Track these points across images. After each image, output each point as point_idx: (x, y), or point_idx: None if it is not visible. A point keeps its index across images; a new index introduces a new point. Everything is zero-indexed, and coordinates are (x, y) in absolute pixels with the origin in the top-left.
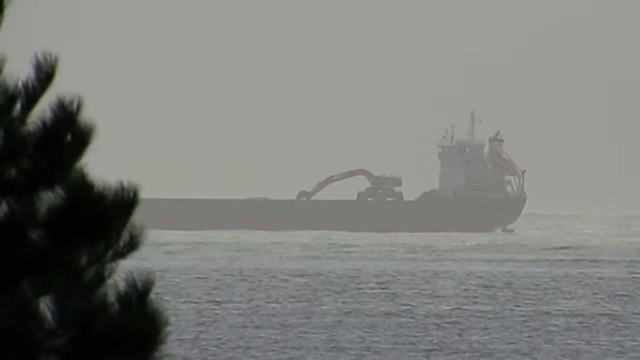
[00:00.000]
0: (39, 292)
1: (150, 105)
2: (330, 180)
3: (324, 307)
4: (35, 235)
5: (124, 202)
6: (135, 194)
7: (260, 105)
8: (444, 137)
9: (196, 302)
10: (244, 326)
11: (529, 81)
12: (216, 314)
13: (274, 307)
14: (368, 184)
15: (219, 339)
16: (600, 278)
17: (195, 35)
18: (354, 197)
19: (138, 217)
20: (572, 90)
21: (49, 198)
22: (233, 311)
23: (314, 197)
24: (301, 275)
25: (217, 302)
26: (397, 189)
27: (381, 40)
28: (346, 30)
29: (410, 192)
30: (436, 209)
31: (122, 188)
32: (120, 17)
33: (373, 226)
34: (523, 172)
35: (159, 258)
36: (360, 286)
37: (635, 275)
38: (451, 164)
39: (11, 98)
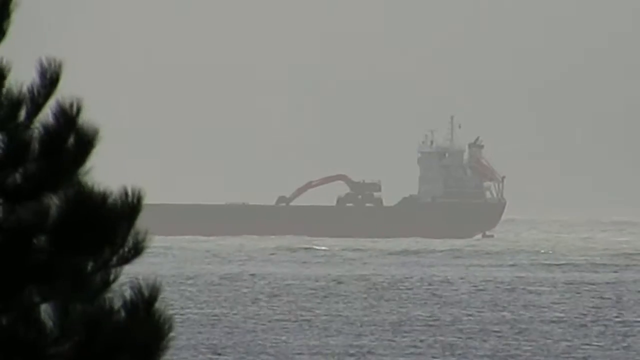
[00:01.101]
0: (45, 298)
1: (128, 107)
2: (309, 185)
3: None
4: (40, 241)
5: (128, 207)
6: (139, 199)
7: (239, 109)
8: (423, 142)
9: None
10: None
11: (510, 87)
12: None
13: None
14: (347, 190)
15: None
16: (568, 282)
17: (170, 33)
18: (333, 203)
19: (142, 222)
20: (553, 97)
21: (53, 203)
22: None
23: (292, 203)
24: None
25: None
26: (376, 194)
27: (363, 45)
28: (329, 32)
29: (389, 197)
30: (415, 215)
31: (126, 193)
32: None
33: (352, 232)
34: (502, 178)
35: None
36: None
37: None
38: (430, 169)
39: (16, 104)
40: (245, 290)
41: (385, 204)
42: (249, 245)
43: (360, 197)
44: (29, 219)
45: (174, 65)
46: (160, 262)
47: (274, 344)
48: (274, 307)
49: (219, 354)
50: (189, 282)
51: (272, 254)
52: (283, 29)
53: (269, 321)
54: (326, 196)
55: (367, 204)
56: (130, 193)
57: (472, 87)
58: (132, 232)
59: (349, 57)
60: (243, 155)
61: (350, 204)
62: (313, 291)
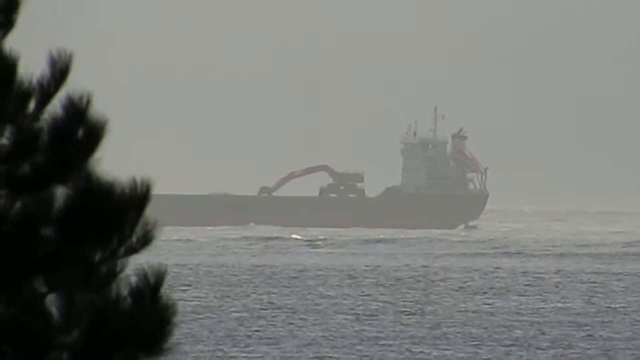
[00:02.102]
0: (52, 288)
1: (111, 98)
2: (292, 176)
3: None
4: (48, 231)
5: (136, 198)
6: (147, 189)
7: (221, 98)
8: (406, 133)
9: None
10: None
11: (493, 79)
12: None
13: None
14: (330, 180)
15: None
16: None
17: (148, 24)
18: (316, 193)
19: (151, 212)
20: (534, 88)
21: (62, 194)
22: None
23: (275, 193)
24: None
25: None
26: (359, 185)
27: (348, 36)
28: (314, 25)
29: (372, 188)
30: (398, 206)
31: (135, 184)
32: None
33: (335, 222)
34: (485, 169)
35: None
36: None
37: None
38: (414, 160)
39: (26, 95)
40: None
41: (368, 194)
42: (220, 235)
43: (342, 187)
44: (37, 210)
45: (158, 57)
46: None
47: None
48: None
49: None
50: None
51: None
52: (266, 18)
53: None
54: (309, 187)
55: (350, 195)
56: (138, 183)
57: (456, 78)
58: (141, 222)
59: (332, 47)
60: (226, 145)
61: (333, 195)
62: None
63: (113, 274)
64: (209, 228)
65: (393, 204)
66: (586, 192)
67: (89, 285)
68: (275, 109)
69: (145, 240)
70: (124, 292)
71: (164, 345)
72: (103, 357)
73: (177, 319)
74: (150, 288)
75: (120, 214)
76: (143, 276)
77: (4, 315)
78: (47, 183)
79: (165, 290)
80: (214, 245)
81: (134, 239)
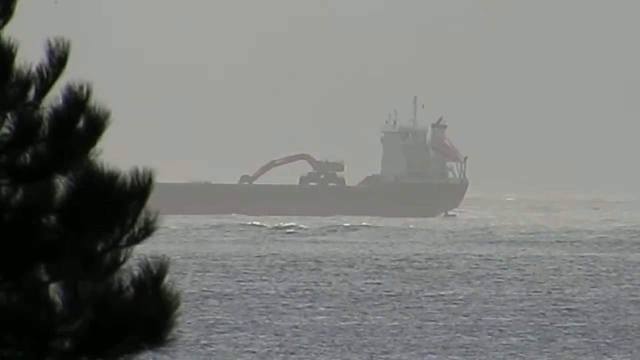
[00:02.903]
0: (54, 277)
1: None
2: (272, 164)
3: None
4: (49, 220)
5: (138, 187)
6: (149, 179)
7: (202, 86)
8: (386, 122)
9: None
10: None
11: (472, 68)
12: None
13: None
14: (310, 169)
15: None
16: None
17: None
18: (296, 182)
19: (153, 202)
20: (513, 78)
21: (63, 184)
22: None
23: (255, 182)
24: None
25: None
26: (339, 174)
27: (329, 26)
28: (295, 12)
29: (352, 177)
30: (378, 195)
31: (137, 173)
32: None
33: (315, 211)
34: (465, 159)
35: None
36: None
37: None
38: (393, 149)
39: (25, 84)
40: None
41: (348, 183)
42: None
43: (323, 176)
44: (39, 199)
45: (135, 43)
46: None
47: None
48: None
49: None
50: None
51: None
52: (249, 3)
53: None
54: (289, 175)
55: (330, 184)
56: (140, 173)
57: (436, 67)
58: (143, 212)
59: (313, 36)
60: (206, 133)
61: (313, 183)
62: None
63: (116, 264)
64: (189, 216)
65: (373, 192)
66: (570, 181)
67: (91, 275)
68: (255, 97)
69: (148, 230)
70: (127, 282)
71: (167, 336)
72: (106, 347)
73: (180, 309)
74: (153, 278)
75: (122, 203)
76: (145, 266)
77: (7, 304)
78: (49, 172)
79: (168, 280)
80: (186, 234)
81: (136, 228)
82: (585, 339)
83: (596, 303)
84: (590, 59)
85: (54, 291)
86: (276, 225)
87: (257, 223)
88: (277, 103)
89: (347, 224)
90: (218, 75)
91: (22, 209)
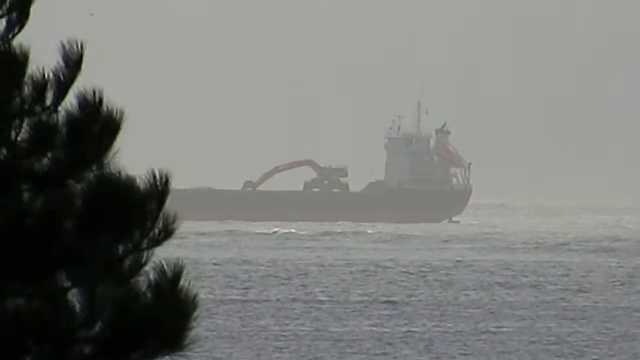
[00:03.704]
0: (74, 283)
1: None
2: (276, 170)
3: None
4: (68, 225)
5: (156, 190)
6: (167, 181)
7: (206, 93)
8: (390, 128)
9: None
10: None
11: (478, 75)
12: None
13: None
14: (314, 175)
15: None
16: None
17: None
18: (300, 188)
19: (171, 204)
20: (517, 83)
21: (82, 188)
22: None
23: (259, 188)
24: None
25: None
26: (342, 179)
27: (330, 33)
28: (296, 23)
29: (356, 183)
30: (382, 200)
31: (154, 176)
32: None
33: (319, 217)
34: (469, 165)
35: None
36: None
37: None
38: (397, 155)
39: (41, 87)
40: None
41: (351, 189)
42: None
43: (326, 182)
44: (59, 204)
45: (142, 53)
46: None
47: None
48: None
49: None
50: None
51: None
52: (240, 16)
53: None
54: (293, 181)
55: (334, 189)
56: (158, 176)
57: (440, 73)
58: (162, 214)
59: (316, 43)
60: (209, 139)
61: (317, 189)
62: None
63: (137, 267)
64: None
65: (376, 198)
66: (573, 188)
67: (112, 279)
68: (259, 102)
69: (167, 233)
70: (145, 286)
71: (185, 340)
72: (126, 351)
73: (198, 313)
74: (170, 282)
75: (141, 206)
76: (161, 270)
77: (27, 310)
78: (67, 177)
79: (185, 284)
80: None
81: (156, 231)
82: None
83: None
84: (592, 63)
85: (74, 296)
86: (274, 230)
87: (258, 230)
88: (281, 108)
89: (340, 230)
90: (221, 79)
91: (42, 215)
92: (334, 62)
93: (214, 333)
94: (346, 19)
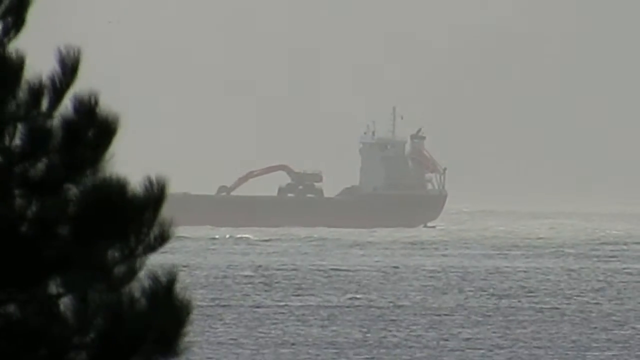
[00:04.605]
0: (68, 289)
1: None
2: (250, 175)
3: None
4: (63, 231)
5: (152, 196)
6: (163, 187)
7: (180, 96)
8: (365, 133)
9: None
10: None
11: (454, 81)
12: None
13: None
14: (288, 180)
15: None
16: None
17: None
18: (275, 193)
19: (167, 210)
20: (492, 88)
21: (76, 194)
22: None
23: (234, 193)
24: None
25: None
26: (317, 184)
27: (303, 36)
28: (275, 24)
29: (331, 188)
30: (356, 206)
31: (150, 182)
32: None
33: (294, 222)
34: (444, 170)
35: None
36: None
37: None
38: (372, 160)
39: (37, 93)
40: None
41: (326, 194)
42: None
43: (301, 187)
44: (53, 210)
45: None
46: None
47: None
48: None
49: None
50: None
51: None
52: (216, 21)
53: None
54: (267, 186)
55: (308, 195)
56: (154, 182)
57: (416, 78)
58: (157, 220)
59: (293, 46)
60: (184, 144)
61: (292, 194)
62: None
63: (132, 273)
64: None
65: (351, 204)
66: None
67: (107, 285)
68: (233, 107)
69: (163, 239)
70: (139, 292)
71: (180, 345)
72: (121, 357)
73: (192, 318)
74: (164, 287)
75: (137, 212)
76: (155, 276)
77: (21, 316)
78: (62, 182)
79: (179, 290)
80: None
81: (151, 237)
82: None
83: None
84: (566, 67)
85: (66, 302)
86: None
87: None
88: (255, 113)
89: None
90: (198, 84)
91: (36, 221)
92: (310, 66)
93: None
94: (322, 21)
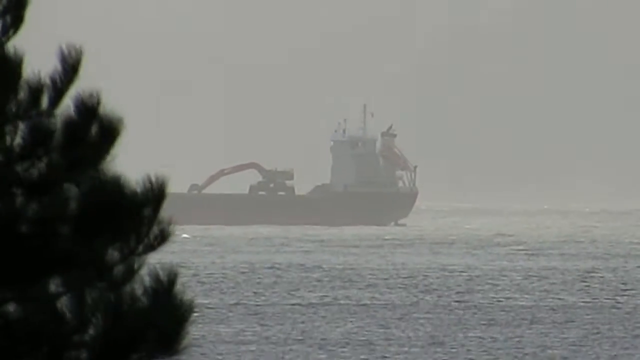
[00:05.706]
0: (68, 288)
1: None
2: (221, 173)
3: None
4: (64, 230)
5: (152, 195)
6: (162, 187)
7: (152, 93)
8: (336, 131)
9: None
10: None
11: (426, 79)
12: None
13: None
14: (260, 178)
15: None
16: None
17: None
18: (246, 191)
19: (166, 210)
20: (455, 86)
21: (76, 193)
22: None
23: (205, 191)
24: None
25: None
26: (288, 182)
27: (281, 33)
28: (247, 22)
29: (302, 186)
30: (328, 204)
31: (150, 181)
32: None
33: (265, 220)
34: (415, 167)
35: None
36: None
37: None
38: (343, 158)
39: (37, 92)
40: None
41: (297, 192)
42: None
43: (272, 185)
44: (53, 209)
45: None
46: None
47: None
48: None
49: None
50: None
51: None
52: (203, 16)
53: None
54: (239, 184)
55: (280, 193)
56: (154, 181)
57: (386, 75)
58: (157, 219)
59: (261, 42)
60: (155, 142)
61: (263, 193)
62: None
63: (132, 272)
64: None
65: (322, 201)
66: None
67: (107, 284)
68: (203, 106)
69: (163, 238)
70: (139, 291)
71: (180, 345)
72: (121, 356)
73: (193, 317)
74: (164, 286)
75: (137, 211)
76: (156, 275)
77: (20, 315)
78: (62, 182)
79: (180, 289)
80: None
81: (151, 236)
82: None
83: None
84: (540, 61)
85: (66, 301)
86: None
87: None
88: (226, 111)
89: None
90: (169, 82)
91: (36, 220)
92: (280, 64)
93: None
94: (293, 19)
